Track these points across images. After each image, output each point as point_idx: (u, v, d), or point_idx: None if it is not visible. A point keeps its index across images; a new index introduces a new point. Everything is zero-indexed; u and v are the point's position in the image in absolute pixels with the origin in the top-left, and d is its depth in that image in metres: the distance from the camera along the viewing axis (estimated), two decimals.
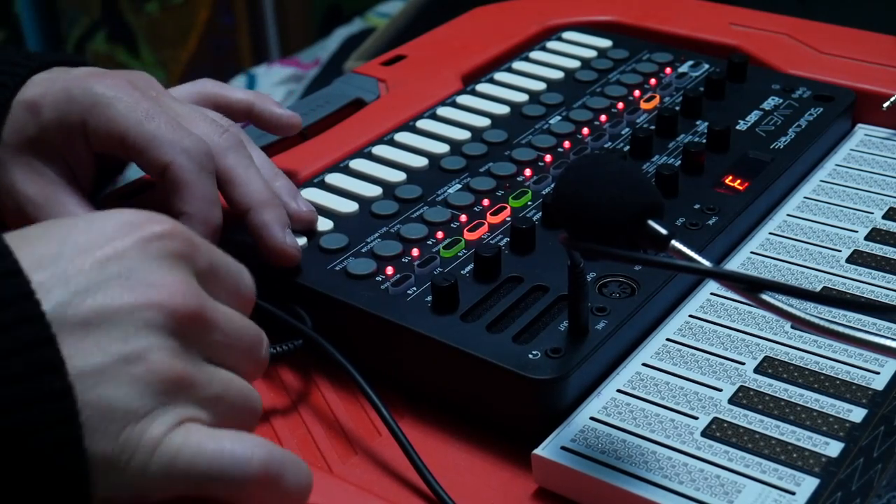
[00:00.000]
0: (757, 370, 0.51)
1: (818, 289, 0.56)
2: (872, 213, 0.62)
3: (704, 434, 0.48)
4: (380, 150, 0.67)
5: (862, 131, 0.71)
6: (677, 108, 0.70)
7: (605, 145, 0.67)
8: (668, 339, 0.54)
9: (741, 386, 0.51)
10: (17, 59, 0.59)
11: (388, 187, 0.63)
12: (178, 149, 0.54)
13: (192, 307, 0.40)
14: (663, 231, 0.44)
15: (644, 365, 0.52)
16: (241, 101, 0.65)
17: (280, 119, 0.66)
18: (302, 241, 0.58)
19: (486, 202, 0.62)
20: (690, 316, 0.55)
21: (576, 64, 0.77)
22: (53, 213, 0.56)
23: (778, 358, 0.52)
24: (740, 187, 0.63)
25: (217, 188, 0.56)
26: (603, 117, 0.70)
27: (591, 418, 0.49)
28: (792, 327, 0.54)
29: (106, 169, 0.62)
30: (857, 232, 0.61)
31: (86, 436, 0.37)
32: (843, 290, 0.56)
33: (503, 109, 0.72)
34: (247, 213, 0.57)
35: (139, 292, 0.39)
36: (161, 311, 0.39)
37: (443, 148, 0.67)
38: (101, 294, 0.38)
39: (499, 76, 0.76)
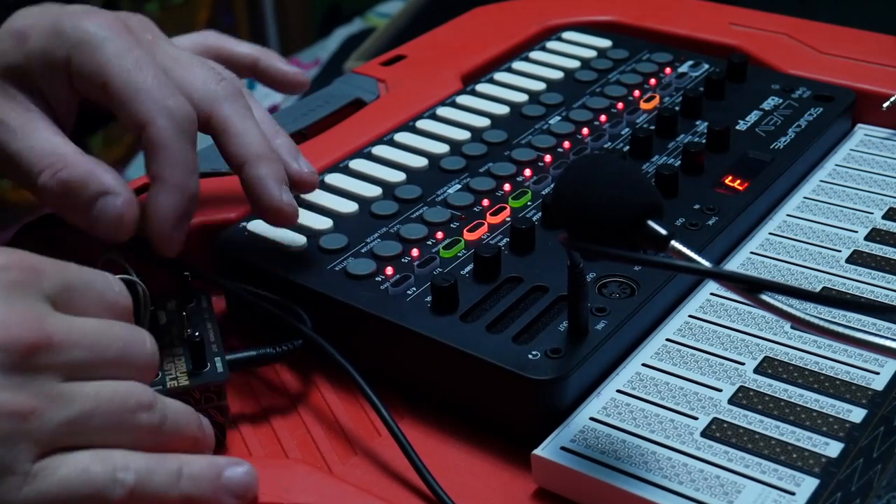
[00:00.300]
0: (757, 370, 0.51)
1: (818, 289, 0.56)
2: (872, 214, 0.62)
3: (704, 434, 0.48)
4: (380, 150, 0.67)
5: (862, 131, 0.71)
6: (677, 108, 0.70)
7: (605, 145, 0.67)
8: (667, 340, 0.54)
9: (741, 386, 0.51)
10: None
11: (388, 187, 0.63)
12: (160, 107, 0.51)
13: (30, 338, 0.40)
14: (663, 231, 0.44)
15: (644, 365, 0.52)
16: (246, 55, 0.62)
17: (286, 76, 0.63)
18: (301, 241, 0.58)
19: (485, 202, 0.62)
20: (690, 316, 0.55)
21: (575, 64, 0.77)
22: (26, 140, 0.52)
23: (778, 358, 0.52)
24: (740, 187, 0.63)
25: (196, 155, 0.53)
26: (603, 117, 0.70)
27: (591, 418, 0.49)
28: (792, 327, 0.54)
29: (91, 116, 0.59)
30: (857, 232, 0.61)
31: None
32: (842, 290, 0.56)
33: (503, 109, 0.72)
34: (242, 167, 0.54)
35: None
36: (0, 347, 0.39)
37: (443, 148, 0.67)
38: None
39: (499, 76, 0.76)
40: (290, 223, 0.55)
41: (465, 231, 0.59)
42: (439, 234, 0.59)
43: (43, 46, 0.52)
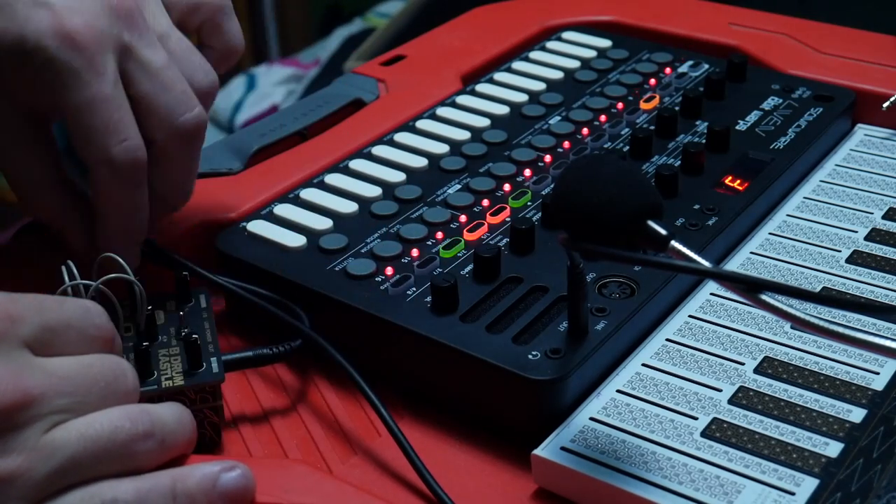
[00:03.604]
0: (757, 370, 0.51)
1: (818, 289, 0.56)
2: (872, 213, 0.62)
3: (704, 434, 0.48)
4: (380, 150, 0.67)
5: (862, 131, 0.71)
6: (677, 108, 0.70)
7: (605, 145, 0.67)
8: (667, 340, 0.54)
9: (741, 386, 0.51)
10: None
11: (388, 187, 0.63)
12: (101, 157, 0.50)
13: (13, 398, 0.40)
14: (663, 231, 0.44)
15: (644, 365, 0.52)
16: (227, 44, 0.59)
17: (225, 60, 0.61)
18: (301, 241, 0.58)
19: (485, 202, 0.62)
20: (690, 316, 0.55)
21: (575, 64, 0.77)
22: (6, 161, 0.54)
23: (778, 358, 0.52)
24: (740, 187, 0.63)
25: (145, 193, 0.53)
26: (603, 117, 0.70)
27: (591, 419, 0.49)
28: (792, 327, 0.54)
29: None
30: (856, 232, 0.61)
31: None
32: (842, 290, 0.56)
33: (503, 109, 0.72)
34: (156, 205, 0.55)
35: None
36: None
37: (442, 148, 0.67)
38: None
39: (498, 76, 0.76)
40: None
41: (465, 231, 0.59)
42: (439, 235, 0.59)
43: (7, 65, 0.50)
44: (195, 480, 0.44)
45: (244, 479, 0.45)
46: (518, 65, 0.77)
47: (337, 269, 0.57)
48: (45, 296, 0.45)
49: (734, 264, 0.59)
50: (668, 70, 0.76)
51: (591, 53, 0.78)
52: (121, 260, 0.51)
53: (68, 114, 0.50)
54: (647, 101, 0.72)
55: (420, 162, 0.66)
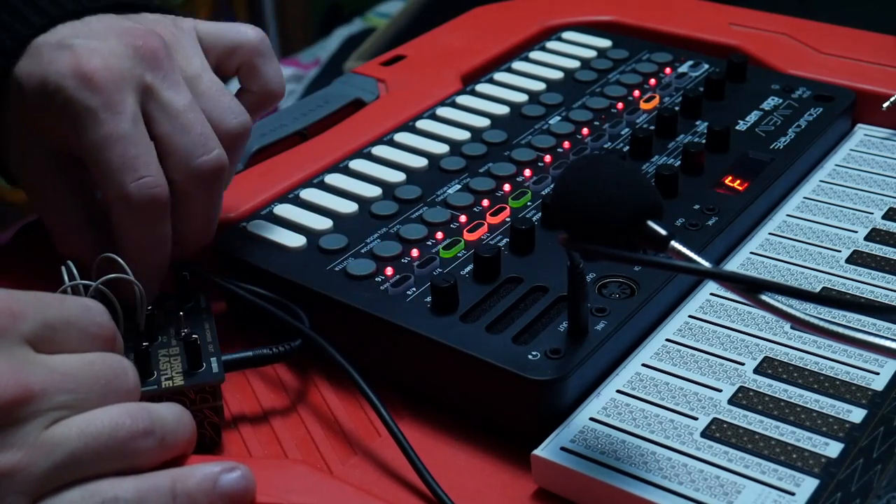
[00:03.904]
0: (757, 371, 0.51)
1: (818, 289, 0.56)
2: (872, 213, 0.62)
3: (704, 434, 0.48)
4: (380, 150, 0.67)
5: (862, 131, 0.71)
6: (677, 108, 0.70)
7: (605, 145, 0.67)
8: (667, 340, 0.54)
9: (741, 386, 0.51)
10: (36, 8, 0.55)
11: (388, 187, 0.63)
12: (117, 194, 0.51)
13: (9, 393, 0.40)
14: (663, 231, 0.44)
15: (644, 365, 0.52)
16: (266, 88, 0.60)
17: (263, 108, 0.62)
18: (301, 241, 0.59)
19: (485, 202, 0.62)
20: (690, 316, 0.55)
21: (575, 64, 0.77)
22: (39, 201, 0.56)
23: (778, 358, 0.52)
24: (740, 187, 0.63)
25: (164, 230, 0.53)
26: (603, 117, 0.70)
27: (591, 419, 0.49)
28: (792, 327, 0.54)
29: None
30: (856, 232, 0.61)
31: None
32: (842, 290, 0.56)
33: (503, 109, 0.72)
34: (176, 243, 0.55)
35: None
36: None
37: (442, 148, 0.67)
38: None
39: (498, 76, 0.76)
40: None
41: (465, 231, 0.59)
42: (439, 235, 0.59)
43: (34, 106, 0.53)
44: (195, 481, 0.44)
45: (244, 479, 0.45)
46: (518, 65, 0.77)
47: (337, 269, 0.57)
48: (47, 293, 0.45)
49: (734, 264, 0.59)
50: (668, 70, 0.76)
51: (591, 53, 0.78)
52: (121, 260, 0.51)
53: (86, 152, 0.51)
54: (647, 101, 0.72)
55: (420, 162, 0.66)
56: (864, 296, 0.56)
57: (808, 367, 0.51)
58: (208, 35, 0.57)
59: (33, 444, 0.41)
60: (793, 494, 0.45)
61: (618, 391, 0.51)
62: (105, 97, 0.51)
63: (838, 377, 0.51)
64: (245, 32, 0.59)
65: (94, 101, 0.51)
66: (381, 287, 0.55)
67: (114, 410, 0.43)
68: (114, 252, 0.52)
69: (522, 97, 0.73)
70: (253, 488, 0.45)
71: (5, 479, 0.40)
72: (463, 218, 0.60)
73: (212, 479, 0.45)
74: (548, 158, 0.66)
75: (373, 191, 0.63)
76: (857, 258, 0.59)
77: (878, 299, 0.56)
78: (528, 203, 0.62)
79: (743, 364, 0.52)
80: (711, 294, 0.57)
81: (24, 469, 0.40)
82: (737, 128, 0.68)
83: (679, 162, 0.65)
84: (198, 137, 0.53)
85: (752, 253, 0.60)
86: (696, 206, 0.61)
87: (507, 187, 0.63)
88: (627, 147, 0.67)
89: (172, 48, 0.54)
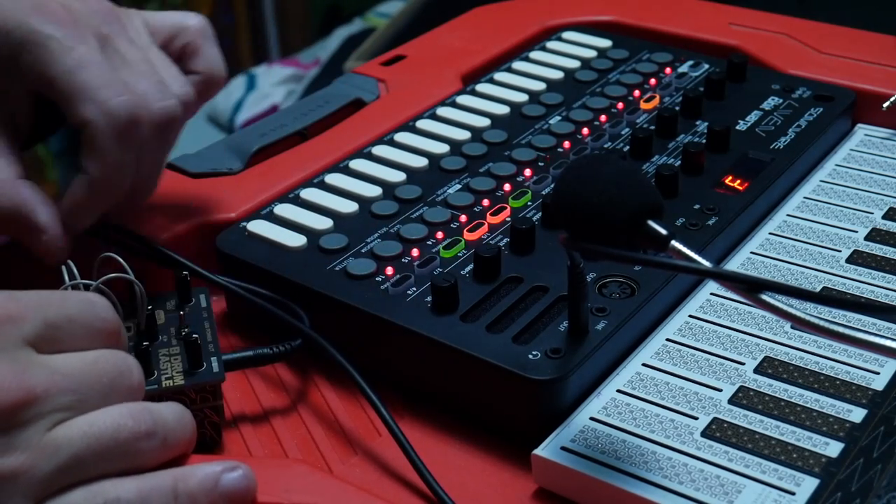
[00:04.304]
0: (757, 370, 0.51)
1: (818, 289, 0.56)
2: (872, 213, 0.62)
3: (704, 434, 0.48)
4: (380, 150, 0.67)
5: (862, 131, 0.71)
6: (677, 108, 0.70)
7: (605, 145, 0.67)
8: (668, 340, 0.54)
9: (741, 386, 0.51)
10: None
11: (388, 187, 0.63)
12: (100, 109, 0.51)
13: (16, 397, 0.40)
14: (663, 231, 0.44)
15: (644, 365, 0.52)
16: (203, 72, 0.60)
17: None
18: (301, 241, 0.59)
19: (486, 202, 0.62)
20: (690, 316, 0.55)
21: (576, 64, 0.77)
22: None
23: (778, 358, 0.52)
24: (740, 187, 0.63)
25: (133, 153, 0.53)
26: (603, 117, 0.70)
27: (591, 418, 0.49)
28: (792, 327, 0.54)
29: (51, 116, 0.58)
30: (857, 232, 0.61)
31: None
32: (843, 290, 0.56)
33: (503, 109, 0.72)
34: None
35: None
36: None
37: (443, 148, 0.67)
38: None
39: (499, 76, 0.76)
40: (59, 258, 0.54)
41: (465, 231, 0.59)
42: (439, 234, 0.59)
43: None
44: (197, 480, 0.44)
45: (246, 479, 0.45)
46: (518, 65, 0.77)
47: (337, 268, 0.57)
48: (49, 291, 0.45)
49: (734, 264, 0.59)
50: (668, 70, 0.76)
51: (592, 53, 0.78)
52: (121, 260, 0.51)
53: (55, 79, 0.51)
54: (648, 101, 0.72)
55: (420, 162, 0.66)
56: (864, 296, 0.56)
57: (808, 367, 0.51)
58: (153, 18, 0.59)
59: (36, 446, 0.41)
60: (793, 494, 0.45)
61: (618, 391, 0.51)
62: (69, 29, 0.52)
63: (838, 377, 0.51)
64: (189, 16, 0.60)
65: (59, 31, 0.51)
66: (382, 287, 0.55)
67: (115, 411, 0.43)
68: (83, 183, 0.52)
69: (523, 97, 0.73)
70: (254, 488, 0.45)
71: (9, 482, 0.40)
72: (463, 218, 0.60)
73: (213, 479, 0.44)
74: (548, 158, 0.66)
75: (373, 190, 0.63)
76: (857, 258, 0.59)
77: (878, 299, 0.56)
78: (529, 203, 0.62)
79: (743, 364, 0.52)
80: (712, 294, 0.57)
81: (28, 472, 0.40)
82: (737, 128, 0.68)
83: (679, 162, 0.65)
84: (156, 84, 0.54)
85: (752, 253, 0.60)
86: (697, 206, 0.61)
87: (507, 187, 0.63)
88: (627, 147, 0.67)
89: (122, 22, 0.55)
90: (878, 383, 0.50)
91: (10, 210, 0.53)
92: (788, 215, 0.63)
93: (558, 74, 0.76)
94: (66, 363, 0.43)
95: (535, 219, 0.60)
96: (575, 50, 0.79)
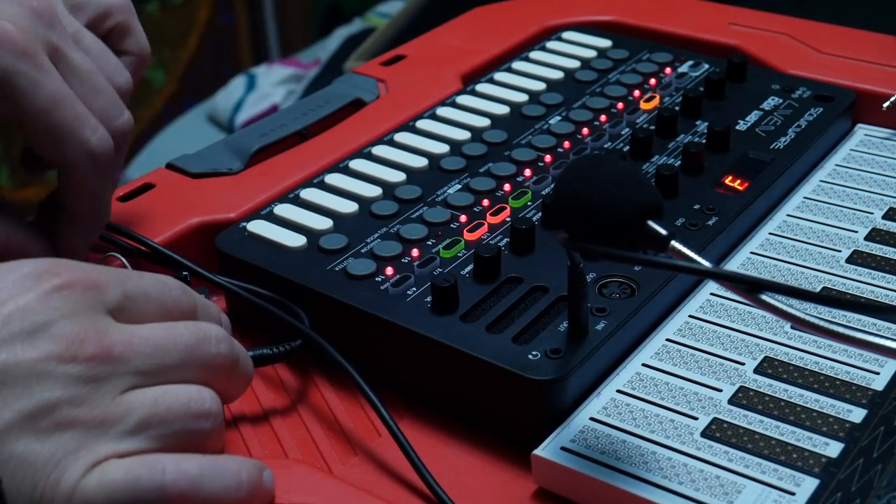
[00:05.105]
0: (757, 370, 0.51)
1: (818, 289, 0.56)
2: (872, 213, 0.62)
3: (704, 434, 0.48)
4: (380, 150, 0.67)
5: (862, 131, 0.71)
6: (677, 108, 0.70)
7: (605, 145, 0.67)
8: (667, 340, 0.54)
9: (741, 386, 0.51)
10: None
11: (388, 187, 0.63)
12: (82, 150, 0.50)
13: (94, 351, 0.41)
14: (663, 231, 0.44)
15: (644, 365, 0.52)
16: (133, 52, 0.58)
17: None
18: (301, 241, 0.59)
19: (485, 202, 0.62)
20: (690, 316, 0.55)
21: (576, 64, 0.77)
22: None
23: (778, 358, 0.52)
24: (740, 187, 0.63)
25: (112, 185, 0.53)
26: (603, 117, 0.70)
27: (591, 419, 0.49)
28: (792, 327, 0.54)
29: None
30: (857, 232, 0.61)
31: (5, 493, 0.38)
32: (843, 290, 0.56)
33: (503, 109, 0.72)
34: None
35: (41, 347, 0.40)
36: (62, 361, 0.40)
37: (443, 148, 0.67)
38: (3, 352, 0.39)
39: (499, 76, 0.76)
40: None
41: (465, 231, 0.59)
42: (439, 235, 0.59)
43: None
44: (258, 470, 0.45)
45: (272, 480, 0.46)
46: (518, 65, 0.77)
47: (337, 269, 0.57)
48: (124, 269, 0.45)
49: (734, 264, 0.59)
50: (668, 70, 0.76)
51: (591, 53, 0.78)
52: (124, 260, 0.51)
53: (30, 118, 0.49)
54: (648, 101, 0.72)
55: (420, 162, 0.66)
56: (864, 296, 0.56)
57: (808, 367, 0.51)
58: None
59: (108, 406, 0.41)
60: (793, 494, 0.45)
61: (618, 391, 0.51)
62: (31, 59, 0.49)
63: (838, 377, 0.51)
64: None
65: (23, 65, 0.48)
66: (382, 287, 0.55)
67: (191, 388, 0.44)
68: (67, 221, 0.51)
69: (522, 97, 0.73)
70: (273, 490, 0.46)
71: (82, 432, 0.40)
72: (463, 218, 0.60)
73: (259, 472, 0.45)
74: (548, 158, 0.66)
75: (373, 191, 0.63)
76: (857, 258, 0.59)
77: (879, 299, 0.56)
78: (529, 203, 0.62)
79: (743, 364, 0.52)
80: (711, 294, 0.57)
81: (104, 423, 0.41)
82: (737, 128, 0.68)
83: (679, 162, 0.65)
84: (112, 98, 0.53)
85: (752, 253, 0.60)
86: (697, 206, 0.61)
87: (507, 187, 0.63)
88: (627, 147, 0.67)
89: (57, 15, 0.52)
90: (878, 383, 0.50)
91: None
92: (788, 215, 0.63)
93: (558, 74, 0.76)
94: (143, 329, 0.44)
95: (535, 219, 0.60)
96: (575, 50, 0.79)
